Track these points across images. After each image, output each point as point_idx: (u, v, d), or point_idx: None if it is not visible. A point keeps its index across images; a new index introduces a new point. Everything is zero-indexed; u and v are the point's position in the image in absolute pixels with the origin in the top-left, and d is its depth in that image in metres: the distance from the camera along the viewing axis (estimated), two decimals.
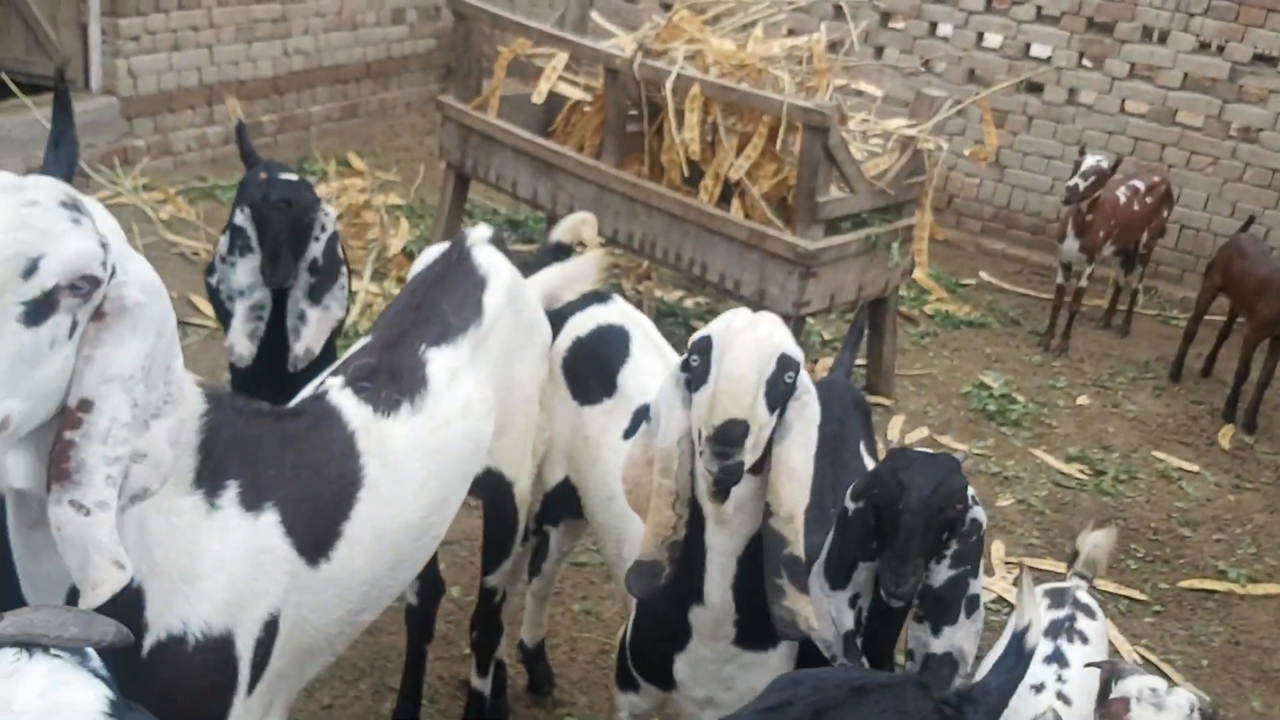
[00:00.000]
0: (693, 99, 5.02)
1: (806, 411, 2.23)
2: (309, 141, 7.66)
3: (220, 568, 1.93)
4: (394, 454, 2.30)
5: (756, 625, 2.34)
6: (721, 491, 2.18)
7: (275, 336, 3.36)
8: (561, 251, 3.31)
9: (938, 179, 5.44)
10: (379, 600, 2.36)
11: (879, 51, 7.76)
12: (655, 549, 2.27)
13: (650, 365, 2.91)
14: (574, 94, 5.78)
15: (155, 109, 6.91)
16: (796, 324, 5.00)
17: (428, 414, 2.40)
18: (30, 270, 1.52)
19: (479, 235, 2.74)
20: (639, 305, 6.14)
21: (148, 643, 1.85)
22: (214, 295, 3.85)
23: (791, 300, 4.95)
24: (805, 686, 1.61)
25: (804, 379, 2.25)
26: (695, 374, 2.19)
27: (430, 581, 3.12)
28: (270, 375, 3.34)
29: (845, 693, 1.58)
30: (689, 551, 2.31)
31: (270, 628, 2.04)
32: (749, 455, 2.13)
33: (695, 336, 2.24)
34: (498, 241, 2.78)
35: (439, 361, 2.47)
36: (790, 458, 2.20)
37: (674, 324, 6.12)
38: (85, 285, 1.57)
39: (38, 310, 1.53)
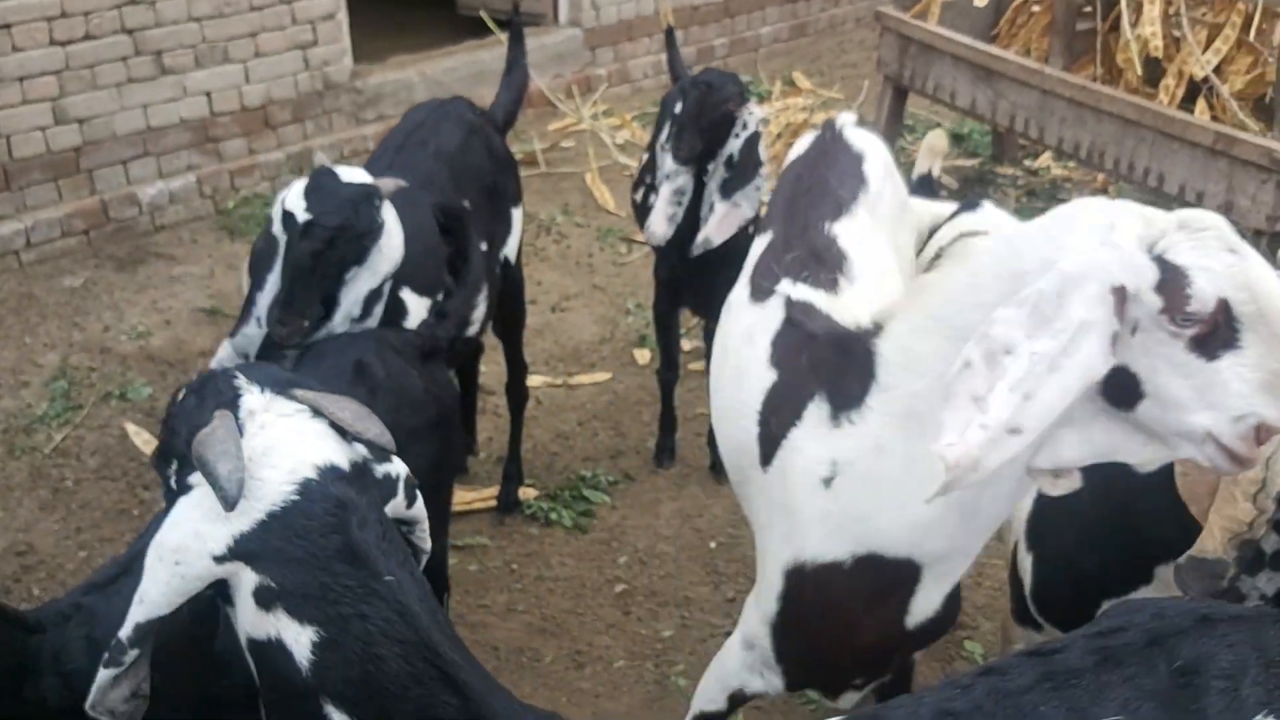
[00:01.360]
0: None
1: None
2: (756, 63, 7.79)
3: None
4: None
5: None
6: None
7: (690, 224, 3.54)
8: (925, 182, 3.19)
9: None
10: None
11: None
12: (1223, 545, 1.96)
13: None
14: None
15: (615, 38, 7.34)
16: (1271, 242, 4.41)
17: (860, 281, 2.44)
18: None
19: (848, 118, 2.77)
20: None
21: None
22: (637, 210, 4.09)
23: (1264, 214, 4.36)
24: (1143, 614, 1.46)
25: None
26: None
27: None
28: (678, 258, 3.61)
29: (1188, 622, 1.41)
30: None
31: None
32: None
33: None
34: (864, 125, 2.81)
35: (845, 234, 2.51)
36: None
37: None
38: None
39: None
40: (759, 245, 2.66)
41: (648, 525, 3.96)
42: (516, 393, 4.05)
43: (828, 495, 2.04)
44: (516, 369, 4.03)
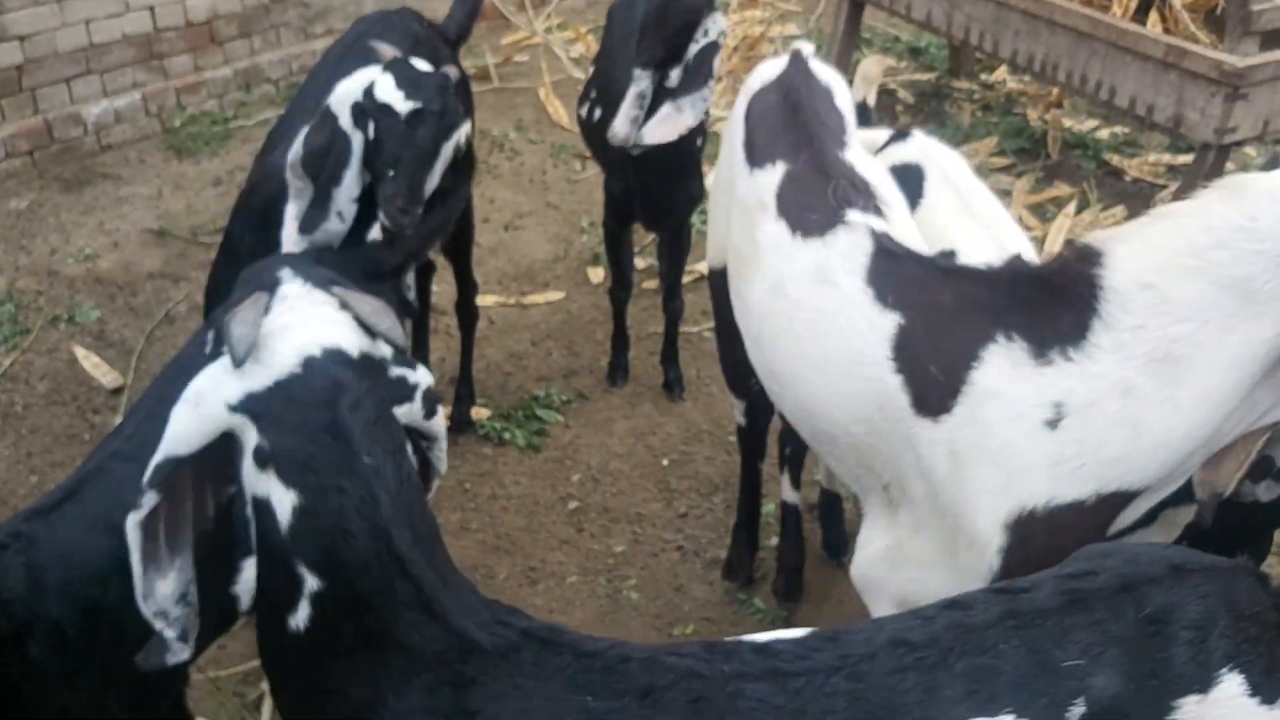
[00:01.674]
0: None
1: None
2: None
3: None
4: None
5: None
6: None
7: None
8: (862, 111, 3.18)
9: None
10: None
11: None
12: (1231, 482, 1.96)
13: (944, 203, 2.72)
14: None
15: None
16: (1219, 154, 4.44)
17: (894, 208, 2.43)
18: None
19: (808, 49, 2.75)
20: (1044, 136, 5.72)
21: None
22: (584, 126, 4.05)
23: (1213, 126, 4.36)
24: (1116, 559, 1.46)
25: None
26: None
27: (757, 403, 3.16)
28: (632, 172, 3.61)
29: (1161, 570, 1.41)
30: None
31: None
32: None
33: None
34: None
35: (857, 161, 2.50)
36: None
37: (1082, 157, 5.64)
38: None
39: None
40: (768, 176, 2.49)
41: (601, 443, 4.00)
42: (466, 312, 4.04)
43: (1056, 437, 1.91)
44: (466, 288, 4.02)
